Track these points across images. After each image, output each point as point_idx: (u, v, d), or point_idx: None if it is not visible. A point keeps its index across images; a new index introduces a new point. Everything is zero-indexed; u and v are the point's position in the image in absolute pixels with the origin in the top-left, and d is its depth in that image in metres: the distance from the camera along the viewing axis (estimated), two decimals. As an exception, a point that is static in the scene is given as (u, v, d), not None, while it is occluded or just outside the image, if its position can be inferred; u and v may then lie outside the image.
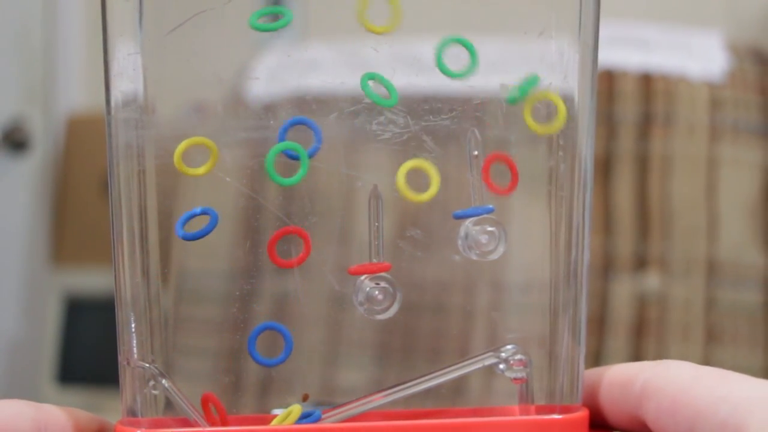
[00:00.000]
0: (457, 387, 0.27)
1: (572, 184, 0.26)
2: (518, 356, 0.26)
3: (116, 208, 0.25)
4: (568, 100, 0.26)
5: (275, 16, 0.26)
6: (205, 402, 0.26)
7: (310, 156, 0.26)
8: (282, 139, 0.25)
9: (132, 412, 0.25)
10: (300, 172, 0.25)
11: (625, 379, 0.25)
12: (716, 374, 0.23)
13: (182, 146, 0.25)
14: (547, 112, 0.27)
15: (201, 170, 0.25)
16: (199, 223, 0.26)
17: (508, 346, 0.27)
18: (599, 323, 0.80)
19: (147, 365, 0.25)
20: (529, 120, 0.26)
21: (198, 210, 0.25)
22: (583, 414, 0.26)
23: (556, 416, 0.26)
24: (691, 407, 0.22)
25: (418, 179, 0.26)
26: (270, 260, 0.26)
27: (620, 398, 0.25)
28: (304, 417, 0.26)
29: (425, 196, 0.25)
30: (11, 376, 1.27)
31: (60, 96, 1.31)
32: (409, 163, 0.25)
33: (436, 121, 0.27)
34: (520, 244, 0.27)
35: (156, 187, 0.26)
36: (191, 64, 0.26)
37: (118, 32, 0.25)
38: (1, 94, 1.24)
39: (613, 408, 0.25)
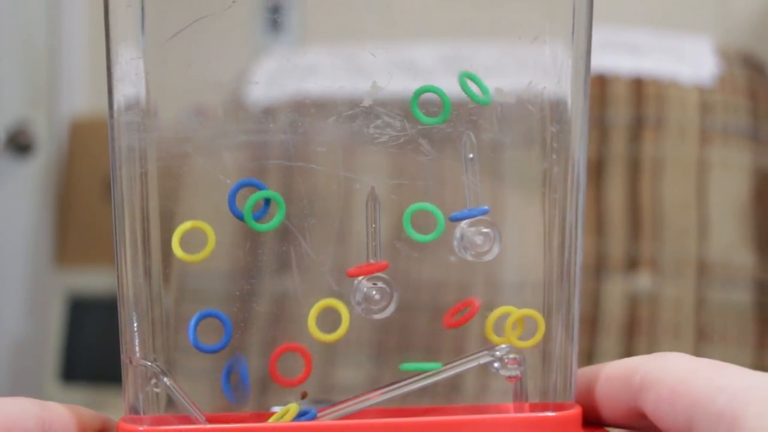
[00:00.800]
0: (453, 385, 0.27)
1: (565, 186, 0.27)
2: (512, 355, 0.27)
3: (119, 210, 0.25)
4: (561, 103, 0.27)
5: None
6: None
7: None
8: (232, 200, 0.26)
9: (134, 410, 0.25)
10: (277, 218, 0.26)
11: (624, 372, 0.25)
12: (714, 366, 0.23)
13: (180, 230, 0.25)
14: (541, 116, 0.27)
15: (199, 256, 0.25)
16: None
17: (503, 345, 0.27)
18: (592, 322, 0.80)
19: (149, 363, 0.26)
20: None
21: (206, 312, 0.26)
22: (576, 411, 0.26)
23: (549, 414, 0.26)
24: (690, 397, 0.23)
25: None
26: (271, 377, 0.26)
27: (619, 391, 0.25)
28: (301, 415, 0.26)
29: (334, 336, 0.26)
30: (16, 374, 1.27)
31: (63, 100, 1.31)
32: (322, 303, 0.26)
33: (432, 125, 0.27)
34: (515, 244, 0.27)
35: (158, 189, 0.26)
36: (192, 68, 0.27)
37: (121, 37, 0.25)
38: (6, 97, 1.24)
39: (610, 401, 0.25)
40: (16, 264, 1.27)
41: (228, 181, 0.27)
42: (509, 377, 0.27)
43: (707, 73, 0.86)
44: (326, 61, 0.27)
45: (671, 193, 0.83)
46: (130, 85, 0.25)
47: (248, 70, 0.28)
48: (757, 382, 0.22)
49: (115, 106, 0.25)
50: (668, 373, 0.24)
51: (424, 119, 0.26)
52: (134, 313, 0.26)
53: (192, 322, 0.26)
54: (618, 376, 0.25)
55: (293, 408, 0.26)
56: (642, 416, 0.25)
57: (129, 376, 0.26)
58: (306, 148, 0.27)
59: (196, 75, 0.27)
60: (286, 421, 0.26)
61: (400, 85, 0.26)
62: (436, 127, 0.27)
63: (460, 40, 0.27)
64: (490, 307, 0.28)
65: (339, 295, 0.27)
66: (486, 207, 0.27)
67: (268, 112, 0.27)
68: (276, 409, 0.27)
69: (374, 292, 0.26)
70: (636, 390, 0.24)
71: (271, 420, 0.26)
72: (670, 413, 0.23)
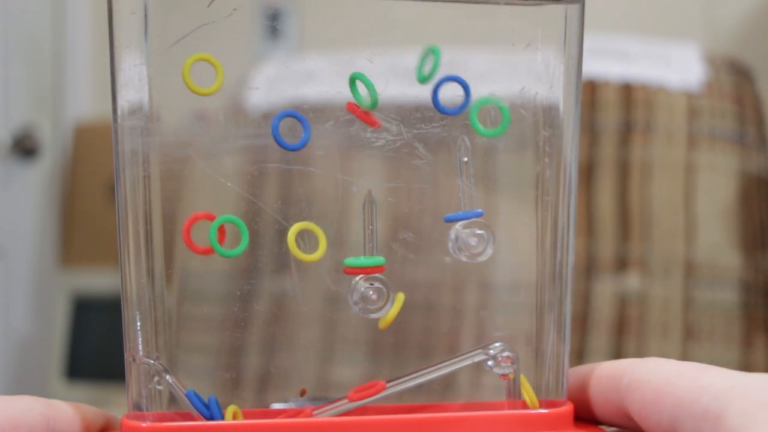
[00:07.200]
0: (448, 383, 0.28)
1: (557, 188, 0.27)
2: (506, 353, 0.27)
3: (122, 212, 0.26)
4: (553, 108, 0.27)
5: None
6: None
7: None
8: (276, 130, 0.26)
9: (137, 407, 0.26)
10: (242, 244, 0.26)
11: (613, 373, 0.25)
12: (699, 367, 0.24)
13: (189, 62, 0.25)
14: (534, 120, 0.27)
15: (208, 90, 0.25)
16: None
17: (496, 344, 0.27)
18: (582, 322, 0.80)
19: (152, 362, 0.26)
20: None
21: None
22: (568, 408, 0.26)
23: (542, 411, 0.26)
24: (674, 397, 0.23)
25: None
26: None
27: (608, 391, 0.25)
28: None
29: (315, 256, 0.26)
30: (22, 372, 1.27)
31: (68, 105, 1.32)
32: (299, 225, 0.26)
33: (428, 129, 0.27)
34: (508, 246, 0.28)
35: (160, 191, 0.26)
36: (194, 74, 0.27)
37: (125, 44, 0.25)
38: (13, 103, 1.24)
39: (600, 400, 0.26)
40: (22, 264, 1.28)
41: (229, 184, 0.27)
42: (502, 375, 0.27)
43: (694, 79, 0.87)
44: (324, 67, 0.28)
45: (659, 195, 0.83)
46: (133, 91, 0.25)
47: (248, 76, 0.28)
48: (740, 381, 0.22)
49: (119, 111, 0.26)
50: (653, 375, 0.24)
51: (483, 131, 0.26)
52: (137, 313, 0.26)
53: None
54: (608, 376, 0.25)
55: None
56: (630, 417, 0.25)
57: (132, 373, 0.26)
58: (304, 151, 0.27)
59: (198, 81, 0.27)
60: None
61: (396, 90, 0.27)
62: (432, 132, 0.27)
63: (455, 47, 0.28)
64: (484, 307, 0.29)
65: (337, 295, 0.27)
66: (480, 209, 0.27)
67: (268, 117, 0.27)
68: (276, 406, 0.27)
69: (371, 292, 0.27)
70: (623, 390, 0.25)
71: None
72: (654, 413, 0.23)
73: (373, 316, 0.27)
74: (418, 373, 0.27)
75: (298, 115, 0.26)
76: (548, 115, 0.27)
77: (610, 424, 0.26)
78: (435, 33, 0.28)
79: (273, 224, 0.27)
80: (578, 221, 0.82)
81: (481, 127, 0.27)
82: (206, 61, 0.25)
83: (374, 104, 0.26)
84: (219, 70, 0.25)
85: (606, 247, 0.82)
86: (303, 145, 0.26)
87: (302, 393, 0.27)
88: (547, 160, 0.27)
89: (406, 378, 0.27)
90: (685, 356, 0.78)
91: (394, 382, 0.27)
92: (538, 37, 0.27)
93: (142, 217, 0.26)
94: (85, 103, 1.33)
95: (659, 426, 0.23)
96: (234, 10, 0.26)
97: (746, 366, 0.79)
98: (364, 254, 0.27)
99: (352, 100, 0.27)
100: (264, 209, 0.27)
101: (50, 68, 1.31)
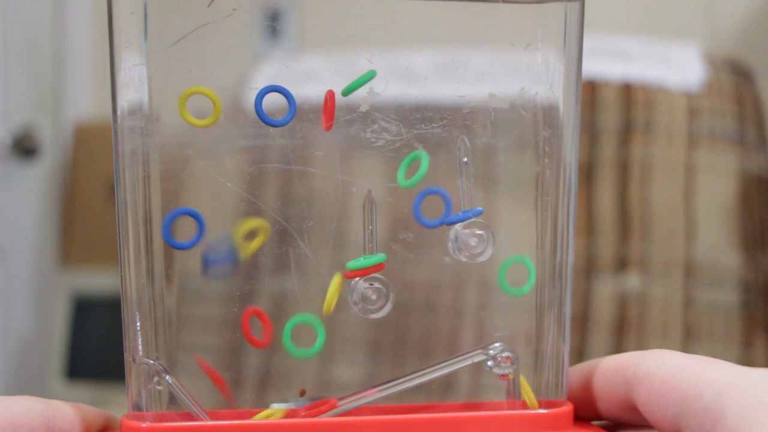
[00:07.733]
0: (448, 383, 0.28)
1: (557, 189, 0.27)
2: (506, 353, 0.27)
3: (122, 212, 0.26)
4: (553, 108, 0.27)
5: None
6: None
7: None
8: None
9: (137, 407, 0.26)
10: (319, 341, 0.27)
11: (620, 366, 0.25)
12: (704, 362, 0.24)
13: (185, 95, 0.25)
14: (533, 120, 0.27)
15: (205, 122, 0.26)
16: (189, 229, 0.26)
17: (496, 344, 0.27)
18: (582, 322, 0.80)
19: (151, 362, 0.26)
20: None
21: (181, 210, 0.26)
22: (568, 408, 0.26)
23: (542, 411, 0.26)
24: (679, 391, 0.23)
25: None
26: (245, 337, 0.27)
27: (614, 384, 0.25)
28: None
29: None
30: (22, 372, 1.27)
31: (68, 105, 1.32)
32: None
33: (428, 129, 0.27)
34: (508, 246, 0.28)
35: (160, 191, 0.26)
36: (194, 74, 0.27)
37: (125, 44, 0.25)
38: (13, 103, 1.24)
39: (606, 394, 0.26)
40: (22, 264, 1.28)
41: (229, 184, 0.27)
42: (502, 375, 0.27)
43: (694, 79, 0.87)
44: (324, 67, 0.28)
45: (659, 195, 0.83)
46: (133, 91, 0.25)
47: (248, 75, 0.28)
48: (742, 377, 0.22)
49: (119, 111, 0.26)
50: (660, 368, 0.24)
51: (509, 290, 0.27)
52: (137, 313, 0.26)
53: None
54: (614, 369, 0.26)
55: (277, 412, 0.26)
56: (635, 409, 0.25)
57: (132, 374, 0.26)
58: (304, 152, 0.27)
59: (198, 80, 0.27)
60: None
61: (396, 90, 0.27)
62: (431, 132, 0.27)
63: (455, 47, 0.28)
64: (484, 307, 0.29)
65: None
66: (480, 208, 0.27)
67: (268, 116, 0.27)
68: (276, 406, 0.27)
69: (371, 293, 0.27)
70: (630, 383, 0.25)
71: (256, 417, 0.26)
72: (660, 407, 0.23)
73: (373, 316, 0.27)
74: (419, 373, 0.27)
75: (282, 89, 0.26)
76: (548, 115, 0.27)
77: (614, 418, 0.26)
78: (436, 33, 0.28)
79: (273, 224, 0.27)
80: (578, 221, 0.82)
81: (507, 285, 0.27)
82: (204, 95, 0.26)
83: (345, 92, 0.26)
84: (216, 103, 0.26)
85: (606, 247, 0.82)
86: (288, 121, 0.26)
87: (302, 393, 0.27)
88: (547, 160, 0.27)
89: (407, 378, 0.27)
90: (685, 356, 0.78)
91: (395, 382, 0.27)
92: (538, 36, 0.27)
93: (142, 217, 0.26)
94: (85, 103, 1.34)
95: (665, 419, 0.23)
96: (234, 10, 0.26)
97: (745, 365, 0.79)
98: (364, 254, 0.27)
99: (353, 100, 0.27)
100: (264, 209, 0.27)
101: (50, 68, 1.31)
